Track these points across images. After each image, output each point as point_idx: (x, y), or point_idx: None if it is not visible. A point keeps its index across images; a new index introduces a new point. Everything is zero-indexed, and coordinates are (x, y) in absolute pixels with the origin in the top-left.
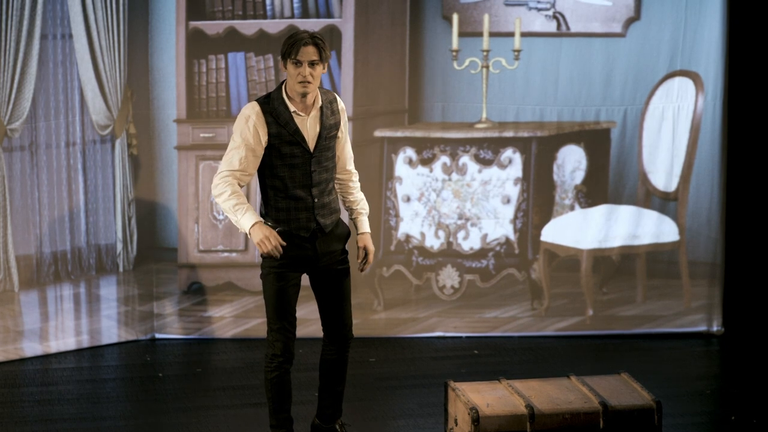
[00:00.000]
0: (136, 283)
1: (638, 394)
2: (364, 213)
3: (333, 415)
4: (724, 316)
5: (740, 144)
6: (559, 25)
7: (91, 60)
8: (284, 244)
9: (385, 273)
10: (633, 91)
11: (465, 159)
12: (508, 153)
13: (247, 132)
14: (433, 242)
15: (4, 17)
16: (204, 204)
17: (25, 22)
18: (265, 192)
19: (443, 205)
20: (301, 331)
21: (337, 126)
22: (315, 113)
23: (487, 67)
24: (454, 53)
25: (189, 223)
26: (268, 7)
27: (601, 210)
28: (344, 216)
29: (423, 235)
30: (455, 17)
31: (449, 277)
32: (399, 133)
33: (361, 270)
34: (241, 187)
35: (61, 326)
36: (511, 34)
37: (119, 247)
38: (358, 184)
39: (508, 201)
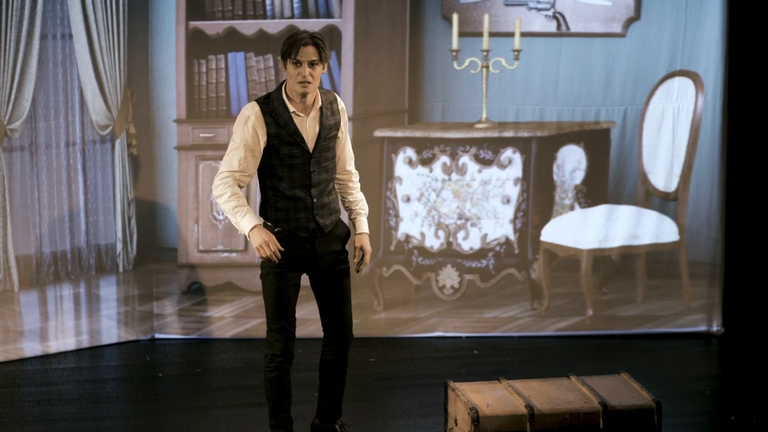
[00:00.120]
0: (136, 283)
1: (638, 394)
2: (363, 213)
3: (333, 416)
4: (724, 316)
5: (740, 144)
6: (559, 25)
7: (91, 60)
8: (282, 249)
9: (384, 273)
10: (633, 91)
11: (465, 159)
12: (507, 153)
13: (246, 133)
14: (433, 242)
15: (4, 17)
16: (204, 204)
17: (25, 22)
18: (265, 192)
19: (443, 205)
20: (301, 331)
21: (337, 126)
22: (315, 114)
23: (487, 67)
24: (454, 53)
25: (189, 223)
26: (268, 7)
27: (601, 210)
28: (344, 216)
29: (423, 235)
30: (455, 17)
31: (449, 277)
32: (399, 133)
33: (358, 271)
34: (242, 187)
35: (61, 326)
36: (511, 34)
37: (119, 247)
38: (358, 185)
39: (508, 201)
